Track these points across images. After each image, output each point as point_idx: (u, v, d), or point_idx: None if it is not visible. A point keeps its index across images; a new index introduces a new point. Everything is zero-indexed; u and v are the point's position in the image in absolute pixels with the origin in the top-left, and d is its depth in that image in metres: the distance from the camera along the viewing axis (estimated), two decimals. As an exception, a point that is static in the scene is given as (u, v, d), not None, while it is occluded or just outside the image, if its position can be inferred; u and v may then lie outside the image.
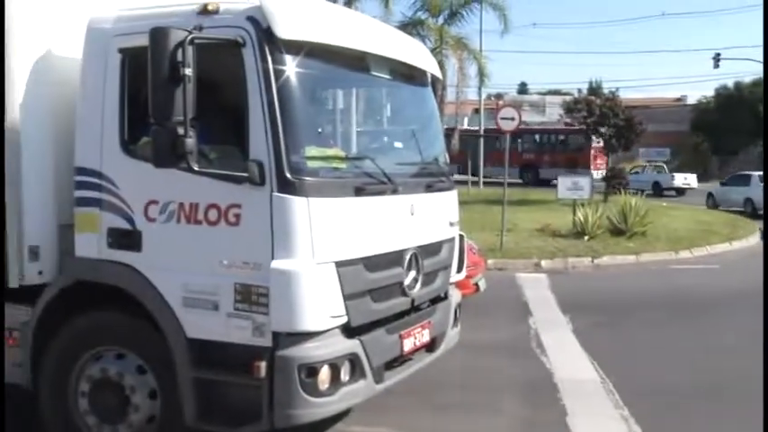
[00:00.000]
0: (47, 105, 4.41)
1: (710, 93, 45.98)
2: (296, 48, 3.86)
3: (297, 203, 3.73)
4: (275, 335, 3.76)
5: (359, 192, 4.09)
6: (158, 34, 3.53)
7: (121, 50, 4.13)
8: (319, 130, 4.11)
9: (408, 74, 4.90)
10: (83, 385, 4.32)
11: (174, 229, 3.99)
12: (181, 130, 3.54)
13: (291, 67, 3.85)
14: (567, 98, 44.24)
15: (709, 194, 27.66)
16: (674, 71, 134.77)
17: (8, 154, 4.28)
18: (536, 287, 10.83)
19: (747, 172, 26.51)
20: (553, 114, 50.29)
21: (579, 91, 49.97)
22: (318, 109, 4.15)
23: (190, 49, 3.55)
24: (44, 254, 4.45)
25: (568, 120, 38.38)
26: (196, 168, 3.65)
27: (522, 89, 68.61)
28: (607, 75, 70.41)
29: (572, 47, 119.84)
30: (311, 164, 3.90)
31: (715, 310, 9.48)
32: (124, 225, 4.13)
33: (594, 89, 48.36)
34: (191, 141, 3.56)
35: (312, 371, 3.78)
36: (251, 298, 3.78)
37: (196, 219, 3.92)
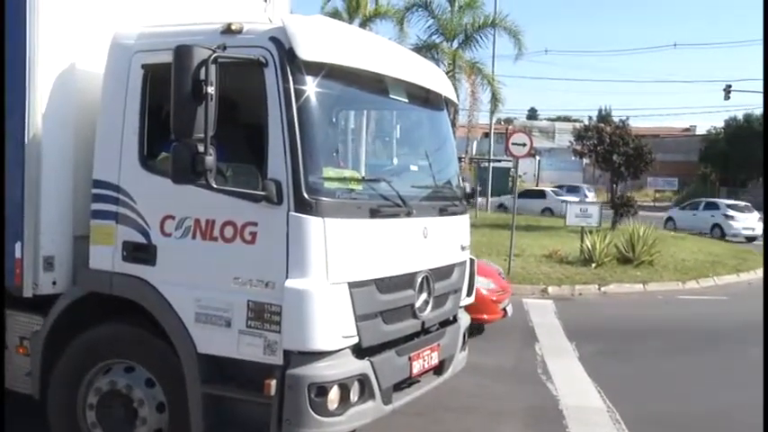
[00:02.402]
0: (68, 118, 4.47)
1: (720, 124, 46.02)
2: (317, 69, 3.92)
3: (313, 223, 3.77)
4: (287, 353, 3.78)
5: (374, 214, 4.13)
6: (182, 52, 3.60)
7: (144, 66, 4.20)
8: (337, 151, 4.15)
9: (425, 97, 4.95)
10: (91, 397, 4.33)
11: (189, 245, 4.02)
12: (201, 148, 3.59)
13: (312, 88, 3.91)
14: (577, 125, 44.39)
15: (669, 218, 29.90)
16: (684, 101, 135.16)
17: (29, 163, 4.34)
18: (543, 313, 10.82)
19: (714, 199, 30.14)
20: (563, 141, 50.40)
21: (590, 118, 50.04)
22: (336, 130, 4.20)
23: (213, 68, 3.60)
24: (59, 264, 4.49)
25: (578, 147, 38.64)
26: (215, 186, 3.69)
27: (532, 114, 68.85)
28: (617, 103, 70.83)
29: (583, 74, 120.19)
30: (328, 185, 3.94)
31: (722, 340, 9.44)
32: (139, 239, 4.17)
33: (604, 117, 48.49)
34: (210, 159, 3.60)
35: (322, 390, 3.79)
36: (264, 316, 3.80)
37: (212, 235, 3.96)
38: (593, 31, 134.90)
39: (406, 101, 4.77)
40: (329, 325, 3.79)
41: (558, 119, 63.11)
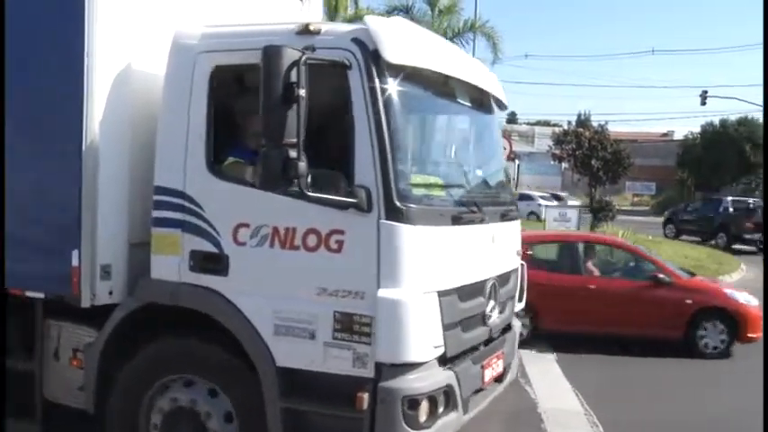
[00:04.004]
0: (124, 121, 4.26)
1: (697, 129, 46.75)
2: (401, 72, 3.79)
3: (405, 231, 3.63)
4: (378, 365, 3.63)
5: (455, 220, 4.01)
6: (272, 53, 3.42)
7: (210, 67, 4.01)
8: (421, 156, 4.01)
9: (484, 100, 4.85)
10: (155, 416, 4.15)
11: (266, 254, 3.84)
12: (293, 153, 3.42)
13: (398, 91, 3.77)
14: (557, 129, 44.76)
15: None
16: (662, 106, 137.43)
17: (86, 169, 4.13)
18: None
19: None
20: (542, 145, 50.79)
21: (569, 123, 50.58)
22: (420, 135, 4.07)
23: (304, 70, 3.44)
24: (115, 273, 4.28)
25: (557, 151, 38.88)
26: (309, 193, 3.52)
27: (512, 118, 69.37)
28: (596, 107, 71.80)
29: (562, 78, 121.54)
30: (416, 191, 3.82)
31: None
32: (209, 248, 3.97)
33: (583, 121, 49.07)
34: (303, 165, 3.44)
35: (414, 403, 3.66)
36: (352, 327, 3.65)
37: (293, 244, 3.78)
38: (573, 37, 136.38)
39: (470, 104, 4.67)
40: (423, 336, 3.67)
41: (538, 123, 63.55)
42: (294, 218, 3.78)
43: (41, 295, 4.35)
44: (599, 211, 25.54)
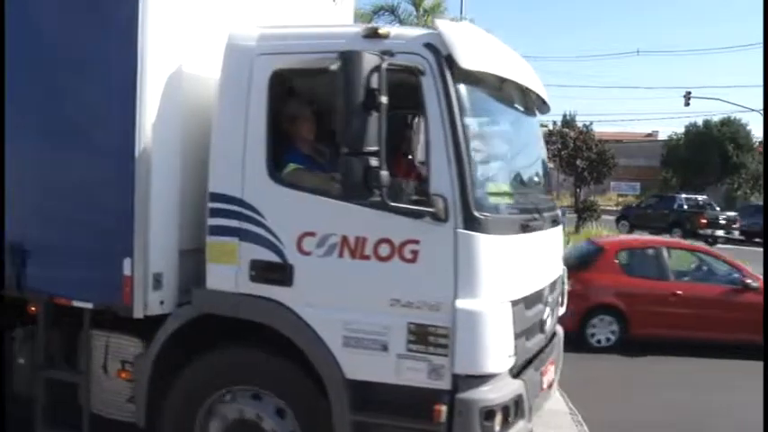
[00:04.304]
0: (176, 126, 4.11)
1: (681, 129, 47.21)
2: (474, 78, 3.71)
3: (482, 241, 3.54)
4: (454, 377, 3.54)
5: (524, 228, 3.94)
6: (352, 58, 3.30)
7: (270, 70, 3.86)
8: (491, 163, 3.93)
9: (536, 104, 4.78)
10: (215, 423, 4.03)
11: (334, 264, 3.71)
12: (374, 162, 3.30)
13: (472, 97, 3.69)
14: (542, 129, 44.93)
15: None
16: (646, 107, 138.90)
17: (139, 174, 3.97)
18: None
19: None
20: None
21: (554, 123, 50.80)
22: (488, 142, 3.98)
23: (384, 75, 3.33)
24: (166, 282, 4.12)
25: (543, 150, 39.05)
26: (390, 203, 3.41)
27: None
28: (581, 108, 72.48)
29: (547, 79, 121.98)
30: (491, 199, 3.74)
31: (685, 345, 9.28)
32: (272, 257, 3.83)
33: (568, 122, 49.29)
34: (386, 174, 3.33)
35: (490, 414, 3.58)
36: (428, 339, 3.55)
37: (363, 254, 3.66)
38: (557, 37, 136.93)
39: (525, 109, 4.60)
40: (500, 346, 3.59)
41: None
42: (365, 227, 3.66)
43: (89, 305, 4.19)
44: (584, 212, 25.79)
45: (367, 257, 3.65)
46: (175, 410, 4.07)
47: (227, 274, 3.92)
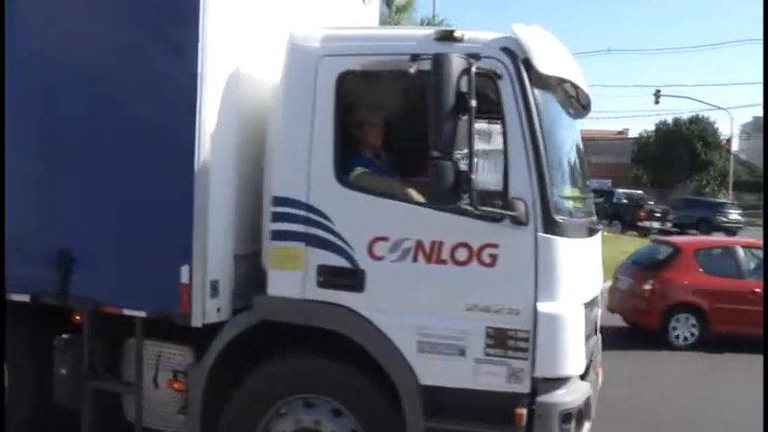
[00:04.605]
0: (233, 128, 3.98)
1: (651, 127, 48.04)
2: (545, 81, 3.68)
3: (561, 244, 3.52)
4: (533, 380, 3.51)
5: (590, 232, 3.92)
6: (444, 61, 3.23)
7: (337, 72, 3.76)
8: (561, 167, 3.89)
9: (585, 107, 4.75)
10: None
11: (408, 269, 3.63)
12: (464, 165, 3.23)
13: (544, 101, 3.66)
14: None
15: None
16: (618, 105, 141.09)
17: (198, 180, 3.83)
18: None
19: None
20: (498, 143, 51.17)
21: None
22: (559, 145, 3.93)
23: (474, 79, 3.27)
24: (222, 289, 3.99)
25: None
26: (479, 208, 3.35)
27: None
28: (552, 106, 73.13)
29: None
30: (566, 203, 3.72)
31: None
32: (341, 263, 3.72)
33: (540, 119, 49.69)
34: (475, 178, 3.26)
35: (568, 417, 3.55)
36: (507, 343, 3.51)
37: (439, 258, 3.58)
38: None
39: (577, 112, 4.58)
40: (578, 349, 3.60)
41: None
42: (442, 231, 3.59)
43: (142, 314, 4.02)
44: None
45: (443, 262, 3.58)
46: (235, 422, 3.94)
47: (293, 279, 3.80)
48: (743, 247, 10.13)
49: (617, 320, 10.01)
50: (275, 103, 4.00)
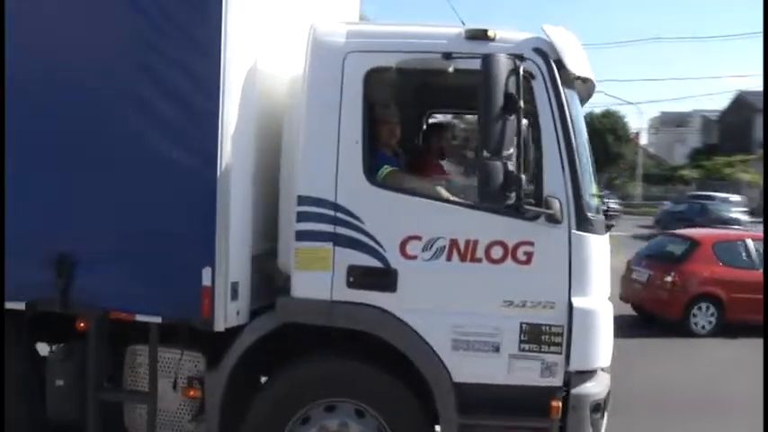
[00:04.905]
0: (251, 126, 3.86)
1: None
2: (577, 82, 3.79)
3: (593, 241, 3.64)
4: (566, 374, 3.61)
5: (608, 228, 4.03)
6: (494, 62, 3.26)
7: (365, 68, 3.70)
8: (587, 165, 3.96)
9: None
10: None
11: (442, 268, 3.63)
12: (511, 166, 3.26)
13: (574, 101, 3.76)
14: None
15: None
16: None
17: (222, 179, 3.69)
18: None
19: None
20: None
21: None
22: (585, 144, 4.00)
23: (521, 80, 3.32)
24: (242, 291, 3.86)
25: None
26: (527, 209, 3.41)
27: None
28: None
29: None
30: (593, 201, 3.81)
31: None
32: (372, 263, 3.68)
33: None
34: (523, 179, 3.31)
35: (597, 407, 3.69)
36: (541, 338, 3.59)
37: (474, 256, 3.61)
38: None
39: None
40: (608, 342, 3.73)
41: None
42: (477, 229, 3.63)
43: (157, 319, 3.83)
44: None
45: (479, 260, 3.61)
46: (261, 428, 3.83)
47: (321, 280, 3.72)
48: (752, 239, 10.85)
49: (627, 309, 10.55)
50: (296, 99, 3.89)
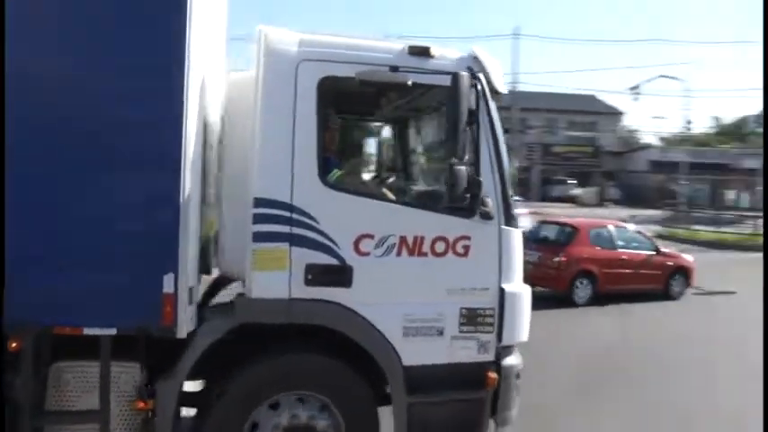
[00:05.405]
0: (200, 131, 3.91)
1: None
2: (498, 95, 4.30)
3: (516, 234, 4.27)
4: (497, 349, 4.20)
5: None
6: (462, 78, 3.72)
7: (318, 76, 3.92)
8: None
9: None
10: None
11: (392, 263, 4.00)
12: (472, 172, 3.78)
13: (498, 113, 4.28)
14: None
15: None
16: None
17: (183, 184, 3.67)
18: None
19: None
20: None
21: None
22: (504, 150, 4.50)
23: (479, 96, 3.82)
24: (194, 296, 3.89)
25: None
26: (482, 210, 3.92)
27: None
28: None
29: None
30: (512, 199, 4.39)
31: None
32: (328, 260, 3.93)
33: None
34: (483, 183, 3.82)
35: (518, 375, 4.34)
36: (476, 320, 4.14)
37: (421, 251, 4.04)
38: (335, 27, 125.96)
39: None
40: (528, 319, 4.38)
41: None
42: (422, 227, 4.05)
43: (112, 331, 3.65)
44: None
45: (425, 254, 4.05)
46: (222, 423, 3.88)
47: (278, 280, 3.88)
48: (613, 226, 13.69)
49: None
50: (238, 102, 4.02)
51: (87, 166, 3.55)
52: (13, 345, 3.60)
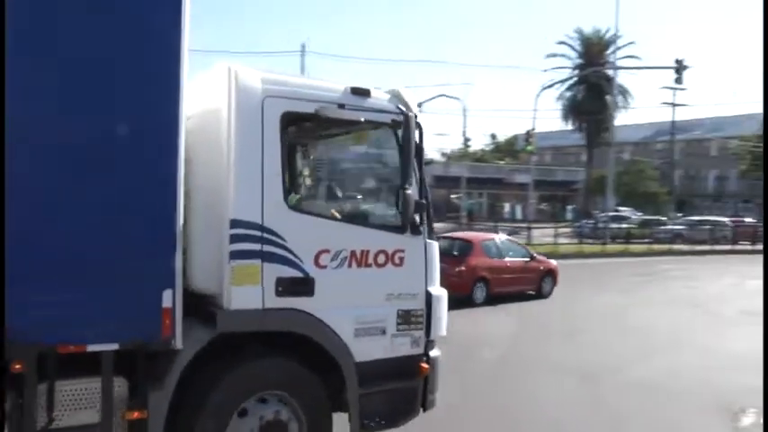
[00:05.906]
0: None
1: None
2: (419, 126, 5.04)
3: (435, 246, 5.23)
4: (425, 343, 5.12)
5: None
6: (412, 118, 4.63)
7: (280, 111, 4.51)
8: None
9: None
10: None
11: (345, 273, 4.74)
12: (417, 196, 4.69)
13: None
14: None
15: None
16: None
17: (179, 200, 4.08)
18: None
19: None
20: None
21: None
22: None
23: (419, 132, 4.71)
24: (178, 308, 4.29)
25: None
26: (423, 226, 4.83)
27: None
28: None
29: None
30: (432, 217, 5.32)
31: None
32: (295, 273, 4.55)
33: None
34: (424, 204, 4.73)
35: (438, 363, 5.28)
36: (410, 319, 5.04)
37: (366, 263, 4.83)
38: (238, 31, 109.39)
39: None
40: (446, 317, 5.33)
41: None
42: (368, 242, 4.85)
43: (114, 346, 3.94)
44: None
45: (369, 265, 4.86)
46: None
47: (253, 293, 4.43)
48: (499, 240, 16.92)
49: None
50: (209, 132, 4.52)
51: (88, 183, 3.80)
52: (17, 366, 3.72)
